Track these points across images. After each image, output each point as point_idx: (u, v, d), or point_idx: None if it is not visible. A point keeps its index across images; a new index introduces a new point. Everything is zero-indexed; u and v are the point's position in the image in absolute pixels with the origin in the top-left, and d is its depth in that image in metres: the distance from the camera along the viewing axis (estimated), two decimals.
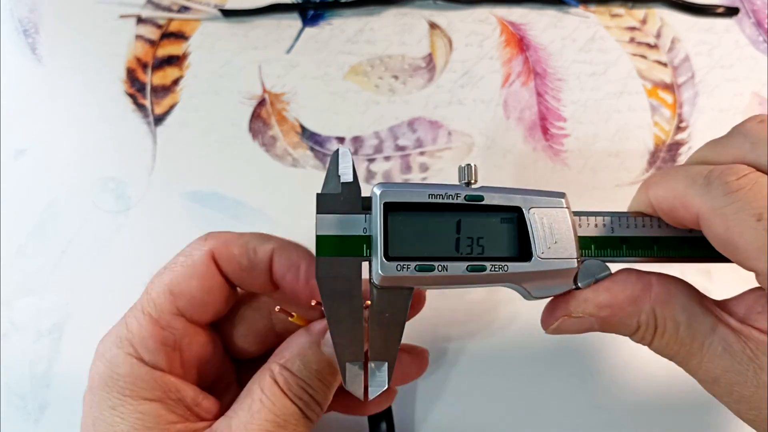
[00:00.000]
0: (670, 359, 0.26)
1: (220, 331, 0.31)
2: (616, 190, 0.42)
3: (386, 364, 0.26)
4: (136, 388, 0.27)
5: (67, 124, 0.45)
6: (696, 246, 0.27)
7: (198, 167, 0.43)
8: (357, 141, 0.44)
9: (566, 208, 0.27)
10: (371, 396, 0.26)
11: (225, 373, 0.31)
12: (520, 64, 0.46)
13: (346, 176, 0.27)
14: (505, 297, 0.39)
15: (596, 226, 0.27)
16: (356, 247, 0.26)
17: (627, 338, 0.37)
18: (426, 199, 0.26)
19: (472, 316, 0.39)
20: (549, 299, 0.27)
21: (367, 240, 0.26)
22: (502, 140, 0.44)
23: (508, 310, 0.39)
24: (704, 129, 0.44)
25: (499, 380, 0.38)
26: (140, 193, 0.42)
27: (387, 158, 0.43)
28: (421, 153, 0.44)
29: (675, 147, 0.44)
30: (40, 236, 0.41)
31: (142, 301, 0.28)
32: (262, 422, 0.26)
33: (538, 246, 0.26)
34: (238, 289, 0.31)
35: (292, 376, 0.27)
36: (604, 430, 0.37)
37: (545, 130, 0.44)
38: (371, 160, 0.43)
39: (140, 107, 0.45)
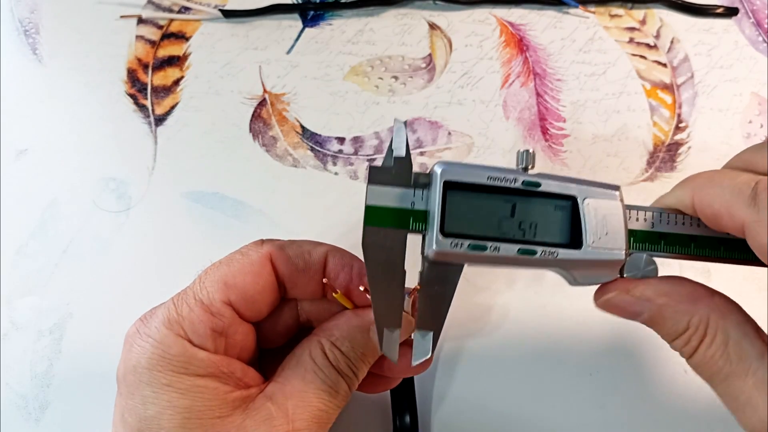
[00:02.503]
0: (709, 378, 0.25)
1: (256, 324, 0.32)
2: None
3: (431, 333, 0.27)
4: (190, 366, 0.27)
5: (67, 124, 0.45)
6: (732, 248, 0.27)
7: (198, 167, 0.43)
8: (357, 141, 0.44)
9: (620, 201, 0.27)
10: (414, 363, 0.27)
11: (253, 360, 0.32)
12: (519, 65, 0.46)
13: (399, 151, 0.28)
14: (501, 300, 0.39)
15: (637, 220, 0.28)
16: (403, 219, 0.27)
17: (624, 340, 0.37)
18: (485, 181, 0.27)
19: (473, 317, 0.39)
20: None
21: (415, 213, 0.27)
22: (502, 140, 0.44)
23: (507, 311, 0.39)
24: (703, 129, 0.44)
25: (510, 378, 0.38)
26: (141, 193, 0.43)
27: None
28: (421, 153, 0.44)
29: (674, 147, 0.44)
30: (40, 236, 0.41)
31: (194, 289, 0.29)
32: (317, 390, 0.28)
33: (590, 236, 0.27)
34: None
35: (342, 355, 0.29)
36: (601, 428, 0.37)
37: (545, 131, 0.44)
38: (371, 160, 0.43)
39: (141, 107, 0.45)
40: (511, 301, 0.39)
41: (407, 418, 0.35)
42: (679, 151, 0.44)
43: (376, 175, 0.27)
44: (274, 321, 0.32)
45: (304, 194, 0.42)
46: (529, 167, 0.27)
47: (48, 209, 0.42)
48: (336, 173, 0.43)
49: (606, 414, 0.37)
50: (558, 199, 0.27)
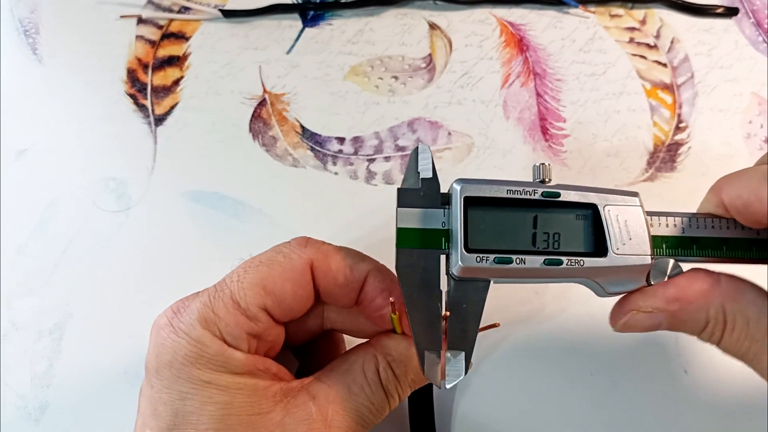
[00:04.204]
0: (740, 358, 0.26)
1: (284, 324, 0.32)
2: None
3: (463, 353, 0.26)
4: (227, 365, 0.27)
5: (67, 124, 0.45)
6: (763, 248, 0.27)
7: (198, 167, 0.43)
8: (357, 141, 0.44)
9: (640, 206, 0.28)
10: (449, 385, 0.26)
11: (279, 355, 0.33)
12: (519, 65, 0.46)
13: (426, 172, 0.28)
14: (501, 301, 0.39)
15: (667, 226, 0.28)
16: (435, 240, 0.27)
17: (624, 340, 0.37)
18: (504, 195, 0.27)
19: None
20: (617, 298, 0.28)
21: (446, 234, 0.27)
22: (502, 141, 0.44)
23: (507, 312, 0.39)
24: (703, 129, 0.44)
25: (510, 378, 0.38)
26: (141, 192, 0.43)
27: (387, 158, 0.43)
28: None
29: (674, 147, 0.44)
30: (40, 236, 0.41)
31: (232, 287, 0.28)
32: (359, 404, 0.29)
33: (614, 242, 0.27)
34: None
35: (393, 377, 0.30)
36: (601, 428, 0.37)
37: (545, 131, 0.44)
38: (371, 161, 0.43)
39: (141, 107, 0.45)
40: (511, 302, 0.39)
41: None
42: (680, 151, 0.44)
43: (405, 198, 0.28)
44: (301, 322, 0.32)
45: (304, 194, 0.42)
46: (546, 180, 0.28)
47: (48, 209, 0.42)
48: (336, 173, 0.43)
49: (606, 414, 0.37)
50: (579, 208, 0.27)
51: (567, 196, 0.27)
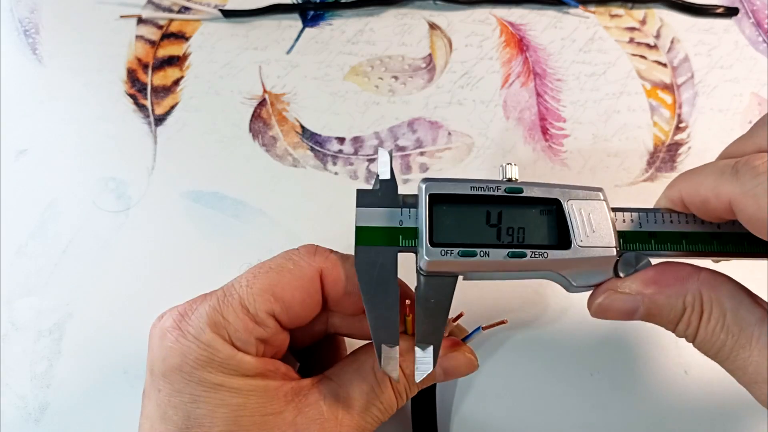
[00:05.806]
0: (715, 355, 0.25)
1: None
2: (615, 191, 0.42)
3: (431, 347, 0.27)
4: (239, 368, 0.27)
5: (67, 124, 0.45)
6: (725, 242, 0.28)
7: (198, 167, 0.43)
8: (357, 141, 0.44)
9: (604, 200, 0.28)
10: (418, 379, 0.27)
11: (283, 357, 0.33)
12: (519, 65, 0.46)
13: (384, 174, 0.29)
14: (502, 301, 0.39)
15: (624, 221, 0.28)
16: (393, 237, 0.28)
17: (624, 340, 0.37)
18: (468, 191, 0.28)
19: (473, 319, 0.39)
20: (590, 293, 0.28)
21: (404, 231, 0.28)
22: (502, 141, 0.44)
23: (507, 312, 0.39)
24: (703, 129, 0.44)
25: (510, 378, 0.38)
26: (141, 192, 0.43)
27: None
28: (421, 153, 0.44)
29: (674, 147, 0.44)
30: (40, 236, 0.41)
31: (241, 292, 0.28)
32: (369, 404, 0.29)
33: (577, 235, 0.27)
34: None
35: (403, 377, 0.30)
36: (601, 428, 0.37)
37: (545, 131, 0.44)
38: (371, 161, 0.43)
39: (141, 107, 0.45)
40: (512, 304, 0.39)
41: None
42: (680, 152, 0.44)
43: (363, 198, 0.29)
44: (305, 328, 0.32)
45: (304, 194, 0.42)
46: (513, 179, 0.28)
47: (48, 209, 0.42)
48: (336, 173, 0.43)
49: (606, 414, 0.37)
50: (542, 203, 0.28)
51: (530, 191, 0.28)
